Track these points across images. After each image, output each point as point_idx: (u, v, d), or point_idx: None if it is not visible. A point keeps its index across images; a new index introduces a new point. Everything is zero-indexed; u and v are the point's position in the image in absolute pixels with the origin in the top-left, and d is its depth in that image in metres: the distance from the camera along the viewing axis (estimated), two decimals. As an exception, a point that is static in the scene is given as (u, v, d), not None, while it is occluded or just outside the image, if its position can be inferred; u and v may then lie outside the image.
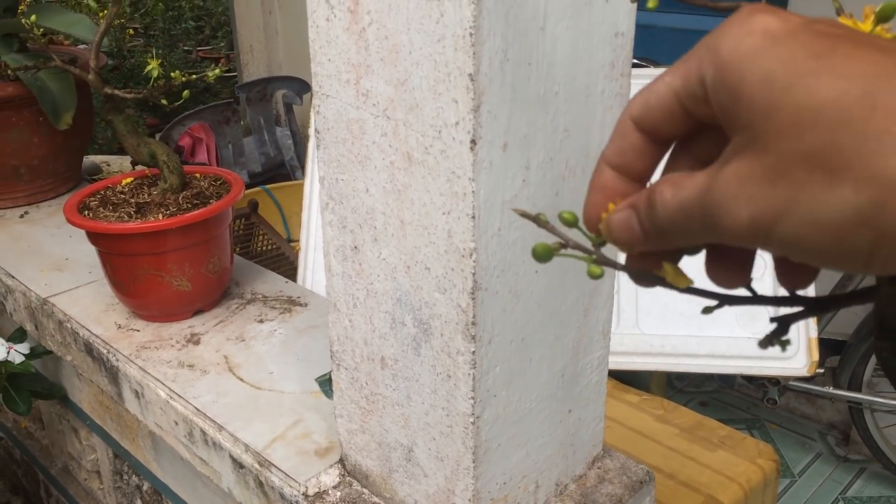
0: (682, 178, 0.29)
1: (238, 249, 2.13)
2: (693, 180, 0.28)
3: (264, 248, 2.25)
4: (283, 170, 3.36)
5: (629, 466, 0.90)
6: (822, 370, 2.22)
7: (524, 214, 0.36)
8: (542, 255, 0.34)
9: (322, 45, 0.68)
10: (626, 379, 1.68)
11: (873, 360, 2.20)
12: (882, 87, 0.23)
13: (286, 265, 2.14)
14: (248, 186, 2.49)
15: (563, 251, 0.34)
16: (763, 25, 0.27)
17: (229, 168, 3.17)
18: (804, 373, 1.62)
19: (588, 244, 0.34)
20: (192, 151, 3.17)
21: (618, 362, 1.65)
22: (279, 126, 3.40)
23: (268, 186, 2.73)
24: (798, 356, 1.64)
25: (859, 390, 2.23)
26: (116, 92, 1.06)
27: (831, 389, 2.25)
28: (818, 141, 0.24)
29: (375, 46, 0.63)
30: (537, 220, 0.35)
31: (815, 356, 1.62)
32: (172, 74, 1.00)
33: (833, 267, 0.26)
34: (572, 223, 0.34)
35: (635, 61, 0.72)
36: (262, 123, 3.32)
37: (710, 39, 0.28)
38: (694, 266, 0.37)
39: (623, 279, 1.68)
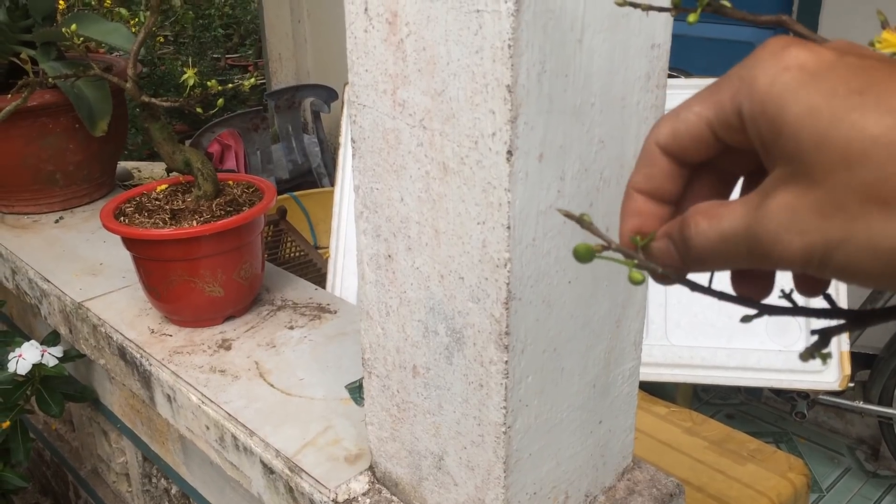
0: (716, 207, 0.30)
1: (266, 256, 2.15)
2: (732, 211, 0.29)
3: (292, 254, 2.27)
4: (311, 177, 3.38)
5: (659, 479, 0.89)
6: (852, 384, 2.19)
7: (568, 214, 0.36)
8: (584, 255, 0.34)
9: (359, 55, 0.68)
10: (651, 390, 1.67)
11: (905, 374, 2.17)
12: None
13: (314, 272, 2.15)
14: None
15: (604, 253, 0.34)
16: (798, 60, 0.27)
17: (257, 175, 3.20)
18: (835, 387, 1.60)
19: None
20: (220, 158, 3.20)
21: (646, 374, 1.64)
22: (307, 134, 3.43)
23: (295, 193, 2.75)
24: (829, 370, 1.62)
25: (890, 405, 2.20)
26: (153, 100, 1.08)
27: (861, 404, 2.22)
28: (870, 175, 0.25)
29: (413, 57, 0.63)
30: (581, 220, 0.36)
31: (847, 370, 1.60)
32: (209, 83, 1.02)
33: (887, 289, 0.27)
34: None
35: (668, 72, 0.72)
36: (290, 131, 3.34)
37: (742, 72, 0.29)
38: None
39: (652, 291, 1.67)
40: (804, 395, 2.12)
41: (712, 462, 1.35)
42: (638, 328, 0.82)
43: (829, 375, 1.61)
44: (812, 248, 0.26)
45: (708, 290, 0.36)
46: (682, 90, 1.71)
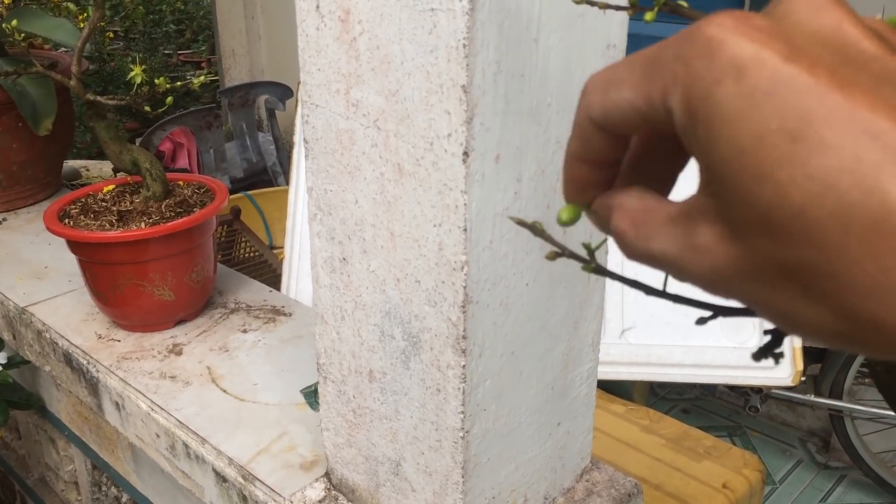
0: (643, 215, 0.28)
1: (220, 256, 2.11)
2: (661, 234, 0.27)
3: (247, 255, 2.23)
4: (266, 175, 3.34)
5: (617, 479, 0.89)
6: (803, 378, 2.24)
7: (520, 222, 0.35)
8: (568, 220, 0.33)
9: (311, 54, 0.67)
10: (607, 387, 1.68)
11: (854, 367, 2.21)
12: (856, 200, 0.20)
13: (269, 272, 2.12)
14: (229, 192, 2.46)
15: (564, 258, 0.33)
16: (736, 63, 0.22)
17: (211, 173, 3.15)
18: (788, 382, 1.62)
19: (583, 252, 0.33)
20: (173, 156, 3.14)
21: (603, 372, 1.65)
22: (261, 132, 3.38)
23: (250, 192, 2.71)
24: (783, 366, 1.64)
25: (840, 398, 2.25)
26: (99, 98, 1.05)
27: (812, 397, 2.26)
28: (791, 254, 0.22)
29: (366, 56, 0.62)
30: (533, 228, 0.35)
31: (800, 366, 1.63)
32: (157, 81, 0.99)
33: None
34: (567, 222, 0.33)
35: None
36: (244, 129, 3.29)
37: (676, 66, 0.24)
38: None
39: (609, 291, 1.68)
40: (758, 389, 2.15)
41: (669, 460, 1.35)
42: (595, 329, 0.82)
43: (783, 371, 1.63)
44: (740, 300, 0.25)
45: (663, 294, 0.35)
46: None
